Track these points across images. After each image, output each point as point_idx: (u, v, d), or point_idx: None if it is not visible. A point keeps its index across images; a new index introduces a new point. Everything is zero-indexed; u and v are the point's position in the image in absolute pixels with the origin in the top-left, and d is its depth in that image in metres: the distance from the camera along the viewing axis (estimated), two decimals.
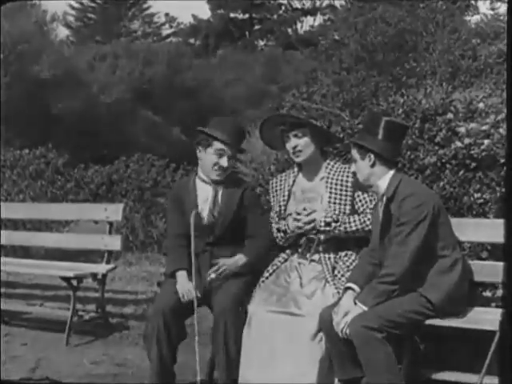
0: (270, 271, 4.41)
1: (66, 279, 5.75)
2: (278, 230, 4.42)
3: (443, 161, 4.56)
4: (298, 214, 4.32)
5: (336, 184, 4.34)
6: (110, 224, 6.06)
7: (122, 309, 6.57)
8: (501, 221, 4.06)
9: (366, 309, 3.78)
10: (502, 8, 15.89)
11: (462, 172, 4.50)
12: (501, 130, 4.52)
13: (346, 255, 4.32)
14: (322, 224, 4.26)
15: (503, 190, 4.35)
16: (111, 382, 4.76)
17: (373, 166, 3.96)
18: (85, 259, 6.81)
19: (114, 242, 6.03)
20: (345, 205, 4.31)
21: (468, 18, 16.07)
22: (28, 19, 19.70)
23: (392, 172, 3.98)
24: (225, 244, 4.45)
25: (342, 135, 5.60)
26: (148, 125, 22.81)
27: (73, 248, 6.80)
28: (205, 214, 4.43)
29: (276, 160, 5.62)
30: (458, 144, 4.51)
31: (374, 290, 3.83)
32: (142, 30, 41.33)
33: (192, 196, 4.48)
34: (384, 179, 3.97)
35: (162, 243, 8.88)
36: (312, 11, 39.60)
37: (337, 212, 4.28)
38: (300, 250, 4.40)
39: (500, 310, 3.90)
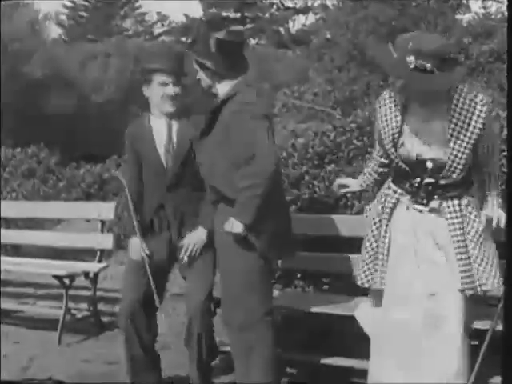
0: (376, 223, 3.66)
1: (59, 278, 5.75)
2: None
3: None
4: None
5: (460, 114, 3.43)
6: (102, 222, 6.07)
7: (113, 307, 6.55)
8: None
9: None
10: (494, 7, 15.92)
11: None
12: None
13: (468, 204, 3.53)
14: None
15: None
16: (103, 381, 4.75)
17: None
18: (76, 258, 6.79)
19: (106, 241, 6.04)
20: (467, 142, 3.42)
21: (459, 17, 16.06)
22: (21, 19, 19.68)
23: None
24: (186, 191, 4.31)
25: (333, 134, 5.61)
26: None
27: (65, 246, 6.79)
28: (161, 150, 4.34)
29: None
30: None
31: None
32: (133, 29, 41.38)
33: (147, 132, 4.39)
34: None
35: None
36: (304, 10, 39.62)
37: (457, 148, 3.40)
38: (413, 191, 3.53)
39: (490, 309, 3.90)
